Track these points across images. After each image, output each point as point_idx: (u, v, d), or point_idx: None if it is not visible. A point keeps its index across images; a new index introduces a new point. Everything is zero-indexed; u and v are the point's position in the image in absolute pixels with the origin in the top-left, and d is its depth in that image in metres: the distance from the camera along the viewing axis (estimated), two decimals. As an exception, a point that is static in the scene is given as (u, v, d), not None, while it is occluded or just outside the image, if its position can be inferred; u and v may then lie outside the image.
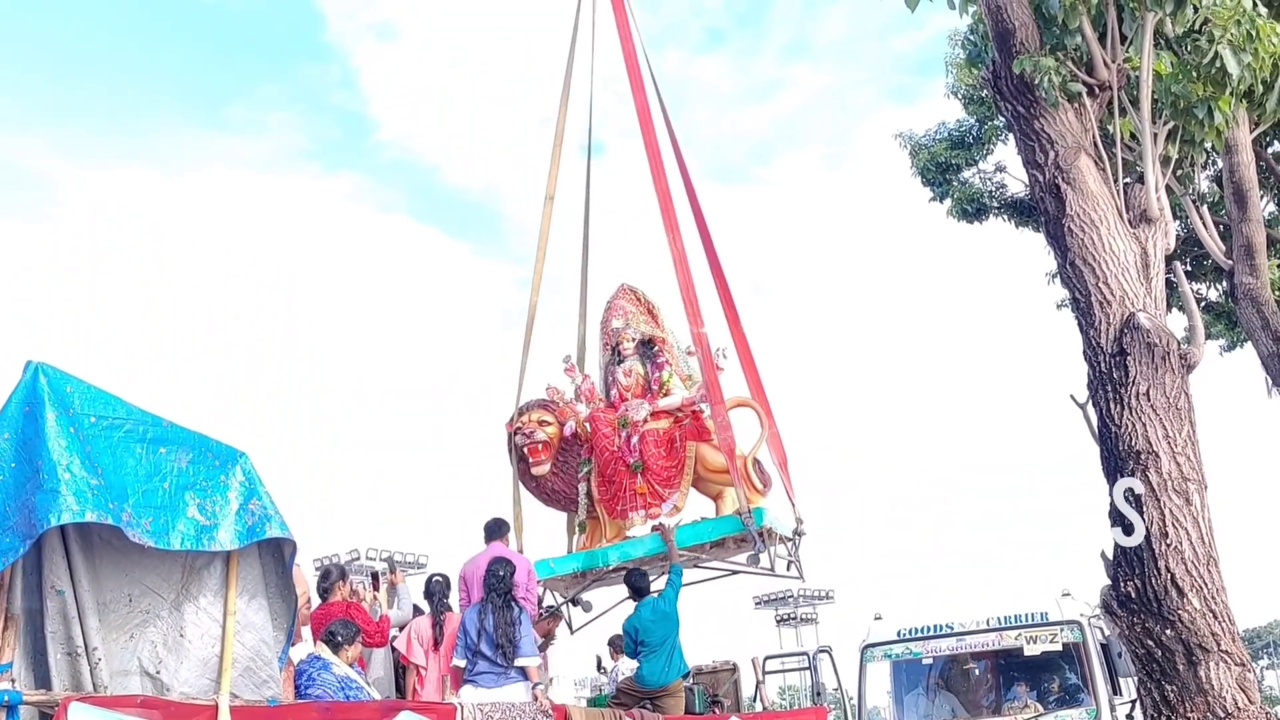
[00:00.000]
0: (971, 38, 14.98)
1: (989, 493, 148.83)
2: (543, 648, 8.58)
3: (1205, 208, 13.27)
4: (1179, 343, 7.04)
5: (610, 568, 9.44)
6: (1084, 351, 7.19)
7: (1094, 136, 7.52)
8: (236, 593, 5.33)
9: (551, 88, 10.66)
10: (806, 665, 13.38)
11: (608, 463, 9.70)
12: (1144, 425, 6.74)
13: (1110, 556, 6.83)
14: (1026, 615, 11.24)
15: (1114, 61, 7.55)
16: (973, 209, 17.52)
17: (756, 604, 54.52)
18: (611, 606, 9.74)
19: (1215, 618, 6.42)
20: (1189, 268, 15.95)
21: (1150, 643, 6.50)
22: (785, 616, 53.71)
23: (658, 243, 9.69)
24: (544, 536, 10.26)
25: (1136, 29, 7.33)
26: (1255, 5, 6.93)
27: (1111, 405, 6.90)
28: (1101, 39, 7.56)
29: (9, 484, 4.63)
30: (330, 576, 7.73)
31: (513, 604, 7.67)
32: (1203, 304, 16.35)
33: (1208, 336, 14.68)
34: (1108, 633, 10.24)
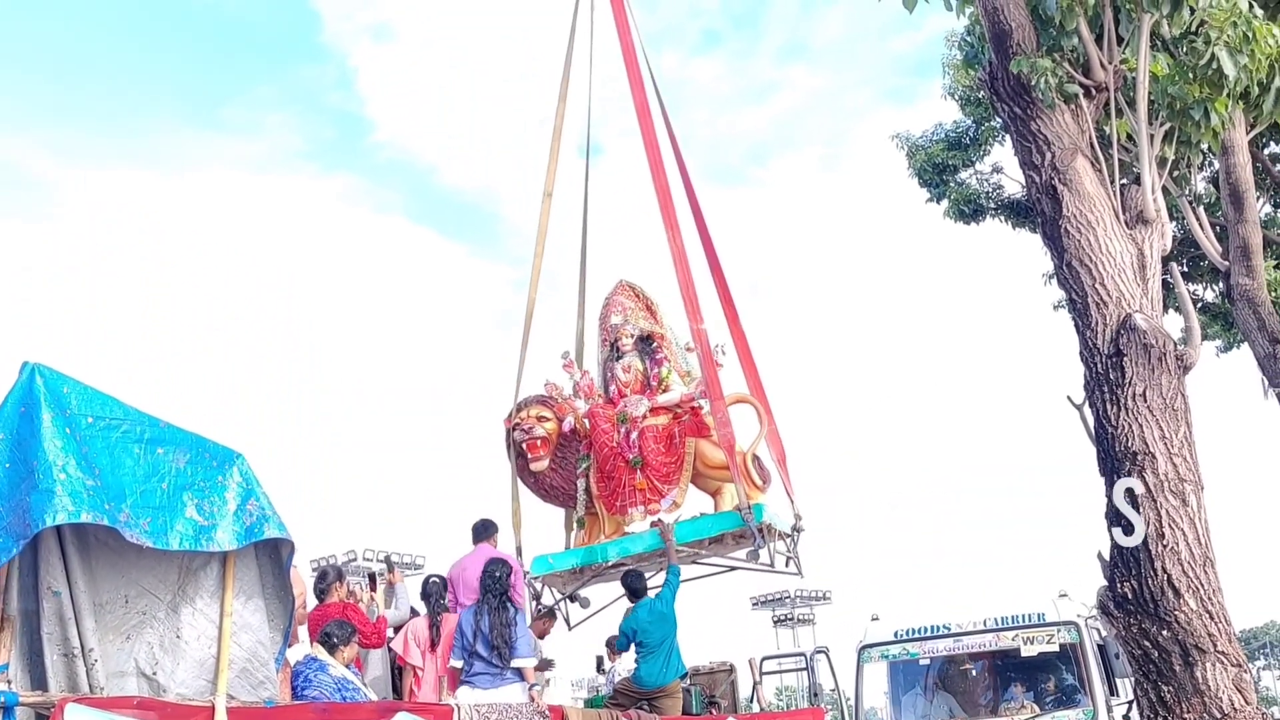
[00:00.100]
0: (968, 39, 15.00)
1: (989, 493, 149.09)
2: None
3: (1202, 209, 13.30)
4: (1175, 344, 7.04)
5: (609, 563, 9.43)
6: (1080, 352, 7.20)
7: (1090, 138, 7.53)
8: (233, 594, 5.33)
9: (549, 89, 10.68)
10: (804, 666, 13.38)
11: (607, 458, 9.68)
12: (1140, 426, 6.74)
13: (1107, 557, 6.84)
14: (1023, 616, 11.25)
15: (1111, 63, 7.56)
16: (970, 210, 17.54)
17: (754, 605, 54.58)
18: (609, 603, 9.73)
19: (1211, 618, 6.43)
20: (1185, 269, 15.97)
21: (1147, 643, 6.50)
22: (782, 617, 53.76)
23: (656, 240, 9.71)
24: (542, 533, 10.26)
25: (1133, 30, 7.34)
26: (1251, 7, 6.93)
27: (1108, 406, 6.90)
28: (1098, 40, 7.57)
29: (4, 484, 4.63)
30: (327, 577, 7.73)
31: (508, 605, 7.67)
32: (1199, 305, 16.38)
33: (1204, 337, 14.70)
34: (1104, 633, 10.24)
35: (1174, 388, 6.87)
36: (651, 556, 9.33)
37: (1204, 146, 7.99)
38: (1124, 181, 7.67)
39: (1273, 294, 13.11)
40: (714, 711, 10.15)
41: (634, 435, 9.61)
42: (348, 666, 6.66)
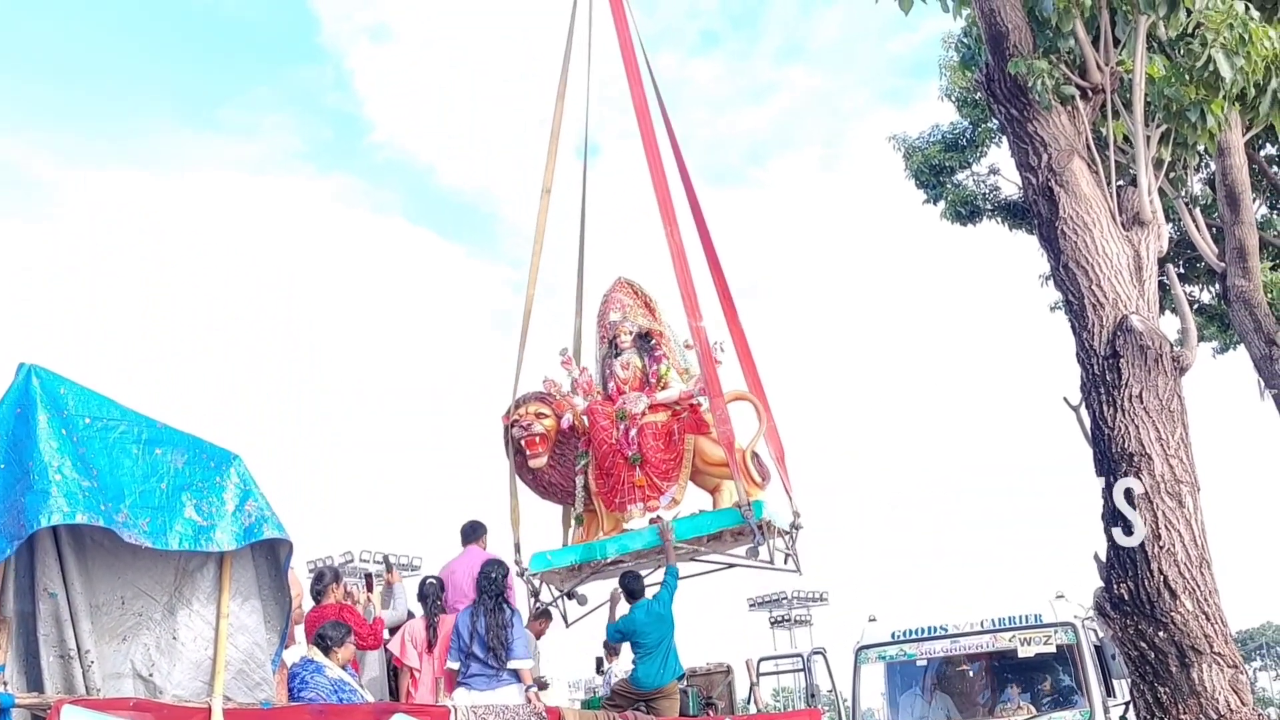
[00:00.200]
0: (965, 40, 15.00)
1: (989, 493, 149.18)
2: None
3: (1198, 210, 13.33)
4: (1172, 345, 7.05)
5: (608, 560, 9.41)
6: (1077, 354, 7.21)
7: (1087, 139, 7.54)
8: (229, 595, 5.32)
9: (548, 89, 10.67)
10: (801, 667, 13.39)
11: (606, 455, 9.67)
12: (1137, 428, 6.75)
13: (1103, 559, 6.85)
14: (1020, 617, 11.26)
15: (1107, 64, 7.57)
16: (966, 211, 17.56)
17: (751, 606, 54.55)
18: (607, 600, 9.70)
19: (1208, 620, 6.44)
20: (1182, 270, 15.99)
21: (1143, 645, 6.51)
22: (779, 618, 53.73)
23: (654, 239, 9.70)
24: (540, 530, 10.24)
25: (1129, 32, 7.35)
26: (1247, 9, 6.95)
27: (1104, 407, 6.91)
28: (1095, 42, 7.58)
29: (-1, 486, 4.62)
30: (324, 579, 7.71)
31: (504, 606, 7.66)
32: (1195, 306, 16.40)
33: (1200, 339, 14.75)
34: (1101, 634, 10.25)
35: (1170, 389, 6.88)
36: (650, 553, 9.31)
37: (1200, 148, 8.01)
38: (1120, 183, 7.68)
39: (1269, 295, 13.13)
40: (711, 713, 10.14)
41: (633, 432, 9.59)
42: (344, 668, 6.65)
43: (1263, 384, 12.97)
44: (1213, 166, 12.86)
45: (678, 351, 10.08)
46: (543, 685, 9.50)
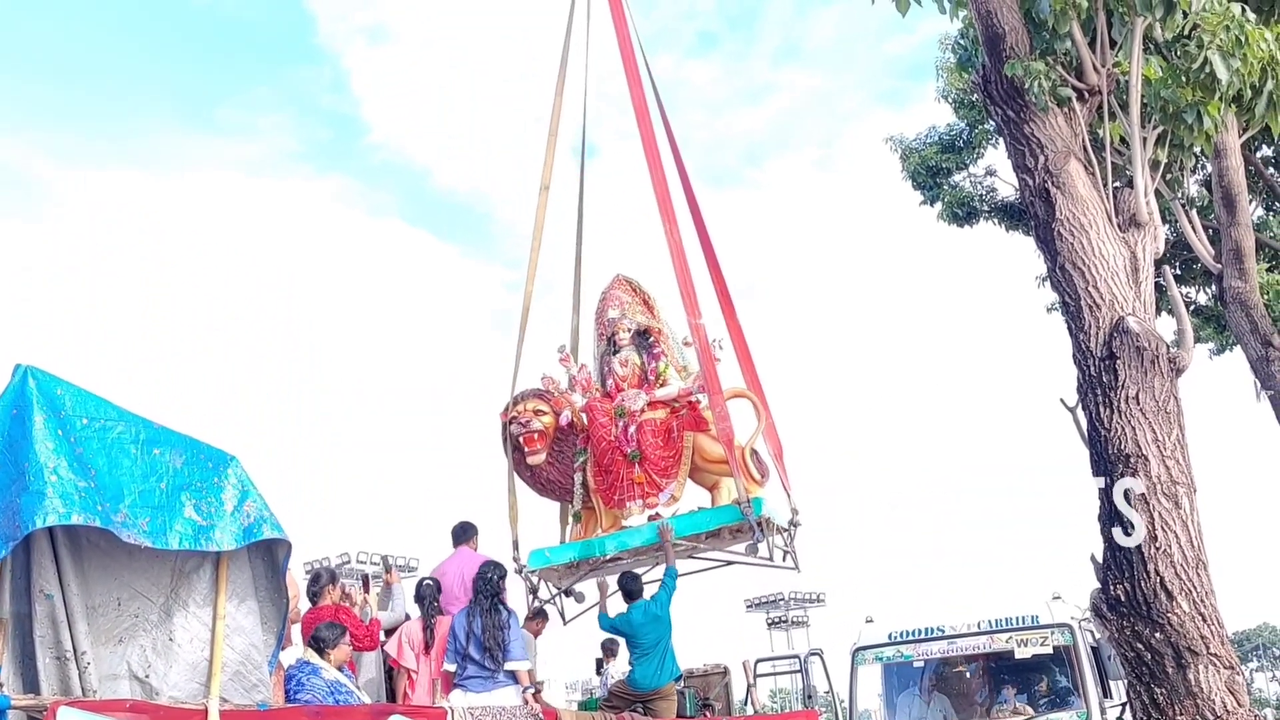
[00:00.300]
0: (962, 42, 15.04)
1: (989, 493, 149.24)
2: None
3: (1194, 212, 13.33)
4: (1168, 346, 7.06)
5: (606, 557, 9.39)
6: (1073, 355, 7.21)
7: (1083, 141, 7.54)
8: (226, 596, 5.31)
9: (544, 91, 10.67)
10: (798, 668, 13.40)
11: (604, 452, 9.65)
12: (1133, 429, 6.75)
13: (1100, 560, 6.85)
14: (1017, 618, 11.26)
15: (1104, 66, 7.58)
16: (963, 212, 17.59)
17: (748, 607, 54.59)
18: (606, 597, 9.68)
19: (1204, 621, 6.44)
20: (1178, 272, 16.01)
21: (1140, 646, 6.51)
22: (776, 619, 53.76)
23: (653, 237, 9.69)
24: (537, 528, 10.22)
25: (1126, 34, 7.36)
26: (1244, 11, 6.96)
27: (1101, 409, 6.91)
28: (1091, 44, 7.59)
29: (-5, 487, 4.61)
30: (320, 580, 7.70)
31: (499, 607, 7.65)
32: (1192, 308, 16.43)
33: (1197, 340, 14.77)
34: (1098, 636, 10.26)
35: (1167, 390, 6.88)
36: (649, 550, 9.30)
37: (1197, 150, 8.01)
38: (1117, 185, 7.69)
39: (1265, 297, 13.16)
40: (708, 714, 10.15)
41: (632, 429, 9.58)
42: (340, 669, 6.64)
43: (1259, 385, 12.98)
44: (1209, 168, 12.89)
45: (676, 349, 10.07)
46: (535, 635, 9.52)
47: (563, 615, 9.96)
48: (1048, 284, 13.22)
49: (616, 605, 8.98)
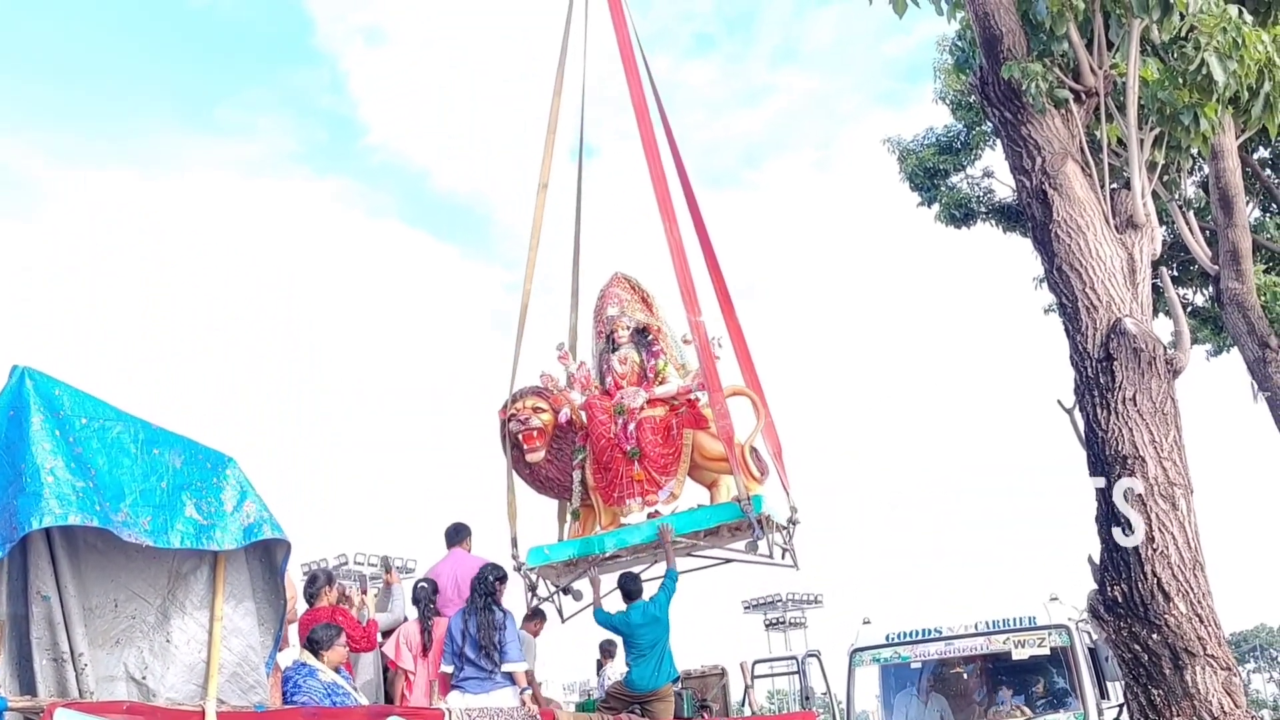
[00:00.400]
0: (959, 44, 15.03)
1: (989, 493, 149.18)
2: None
3: (1191, 213, 13.35)
4: (1165, 348, 7.06)
5: (606, 555, 9.38)
6: (1071, 356, 7.21)
7: (1081, 142, 7.55)
8: (223, 598, 5.31)
9: (541, 93, 10.69)
10: (795, 669, 13.41)
11: (604, 450, 9.64)
12: (1130, 430, 6.76)
13: (1097, 561, 6.85)
14: (1014, 619, 11.27)
15: (1101, 68, 7.58)
16: (960, 214, 17.60)
17: (745, 608, 54.49)
18: (604, 595, 9.68)
19: (1201, 622, 6.44)
20: (1175, 273, 16.04)
21: (1137, 647, 6.51)
22: (774, 621, 53.67)
23: (651, 236, 9.67)
24: (534, 526, 10.20)
25: (1123, 36, 7.37)
26: (1241, 13, 6.97)
27: (1098, 410, 6.92)
28: (1088, 45, 7.60)
29: (-9, 488, 4.60)
30: (317, 581, 7.69)
31: (493, 607, 7.65)
32: (1189, 309, 16.44)
33: (1194, 341, 14.77)
34: (1095, 637, 10.27)
35: (1164, 392, 6.89)
36: (648, 548, 9.29)
37: (1194, 151, 8.03)
38: (1114, 186, 7.70)
39: (1262, 298, 13.17)
40: (706, 715, 10.14)
41: (631, 426, 9.57)
42: (336, 670, 6.63)
43: (1256, 386, 13.00)
44: (1206, 170, 12.90)
45: (675, 347, 10.06)
46: (534, 636, 9.50)
47: (560, 613, 9.95)
48: (1045, 285, 13.24)
49: (613, 603, 8.98)
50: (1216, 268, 12.72)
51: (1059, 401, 7.51)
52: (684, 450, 9.55)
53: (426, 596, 8.22)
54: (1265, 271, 14.73)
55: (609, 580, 9.30)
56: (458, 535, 8.84)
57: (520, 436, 9.60)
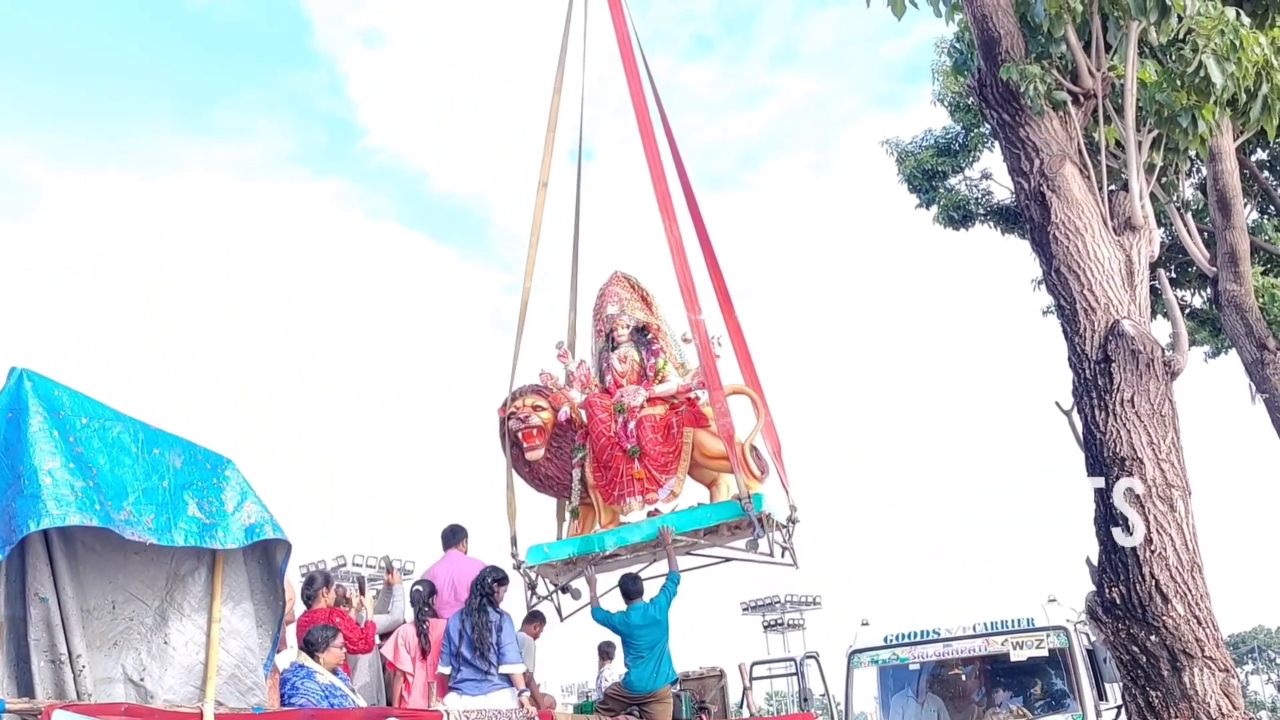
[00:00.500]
0: (958, 45, 15.05)
1: (989, 493, 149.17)
2: None
3: (1189, 215, 13.36)
4: (1163, 350, 7.07)
5: (605, 553, 9.37)
6: (1069, 358, 7.22)
7: (1079, 144, 7.55)
8: (221, 600, 5.31)
9: (540, 94, 10.71)
10: (794, 671, 13.41)
11: (604, 448, 9.64)
12: (1128, 432, 6.76)
13: (1095, 562, 6.86)
14: (1013, 621, 11.28)
15: (1099, 70, 7.59)
16: (959, 216, 17.62)
17: (744, 610, 54.46)
18: (603, 594, 9.68)
19: (1199, 624, 6.45)
20: (1173, 275, 16.05)
21: (1135, 649, 6.51)
22: (773, 622, 53.65)
23: (650, 236, 9.68)
24: (533, 524, 10.20)
25: (1121, 38, 7.37)
26: (1238, 15, 6.98)
27: (1096, 412, 6.92)
28: (1086, 47, 7.60)
29: (-10, 490, 4.60)
30: (315, 583, 7.67)
31: (488, 608, 7.64)
32: (1187, 311, 16.45)
33: (1192, 343, 14.78)
34: (1093, 638, 10.27)
35: (1162, 393, 6.89)
36: (648, 547, 9.29)
37: (1192, 153, 8.04)
38: (1112, 188, 7.71)
39: (1260, 300, 13.18)
40: (704, 717, 10.13)
41: (631, 425, 9.57)
42: (334, 671, 6.62)
43: (1254, 388, 13.00)
44: (1204, 171, 12.90)
45: (675, 345, 10.07)
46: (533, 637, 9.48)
47: (559, 612, 9.95)
48: (1043, 287, 13.24)
49: (612, 602, 8.97)
50: (1214, 270, 12.72)
51: (1057, 403, 7.52)
52: (684, 449, 9.55)
53: (423, 598, 8.22)
54: (1263, 273, 14.75)
55: (607, 579, 9.30)
56: (454, 537, 8.83)
57: (520, 434, 9.60)
